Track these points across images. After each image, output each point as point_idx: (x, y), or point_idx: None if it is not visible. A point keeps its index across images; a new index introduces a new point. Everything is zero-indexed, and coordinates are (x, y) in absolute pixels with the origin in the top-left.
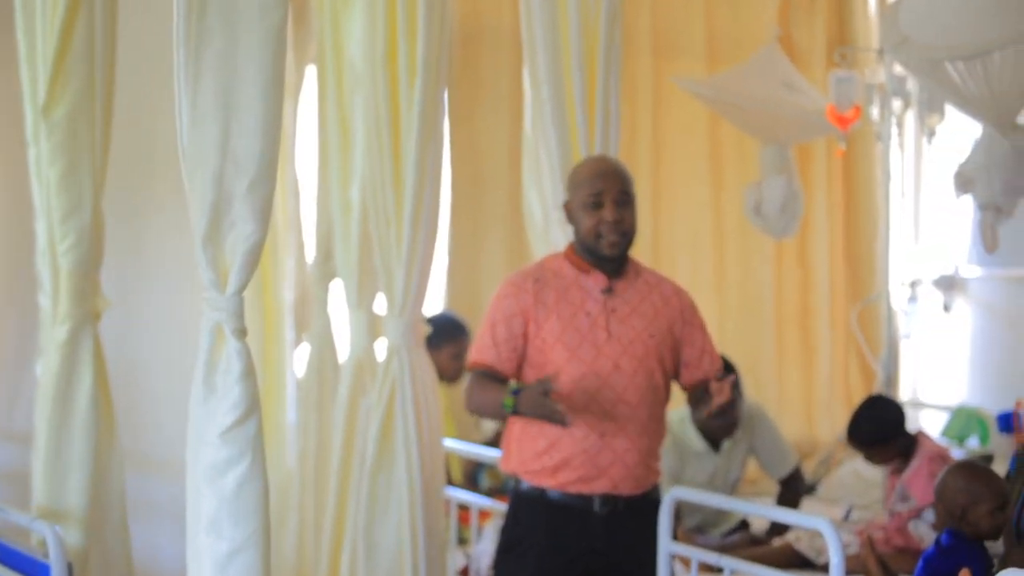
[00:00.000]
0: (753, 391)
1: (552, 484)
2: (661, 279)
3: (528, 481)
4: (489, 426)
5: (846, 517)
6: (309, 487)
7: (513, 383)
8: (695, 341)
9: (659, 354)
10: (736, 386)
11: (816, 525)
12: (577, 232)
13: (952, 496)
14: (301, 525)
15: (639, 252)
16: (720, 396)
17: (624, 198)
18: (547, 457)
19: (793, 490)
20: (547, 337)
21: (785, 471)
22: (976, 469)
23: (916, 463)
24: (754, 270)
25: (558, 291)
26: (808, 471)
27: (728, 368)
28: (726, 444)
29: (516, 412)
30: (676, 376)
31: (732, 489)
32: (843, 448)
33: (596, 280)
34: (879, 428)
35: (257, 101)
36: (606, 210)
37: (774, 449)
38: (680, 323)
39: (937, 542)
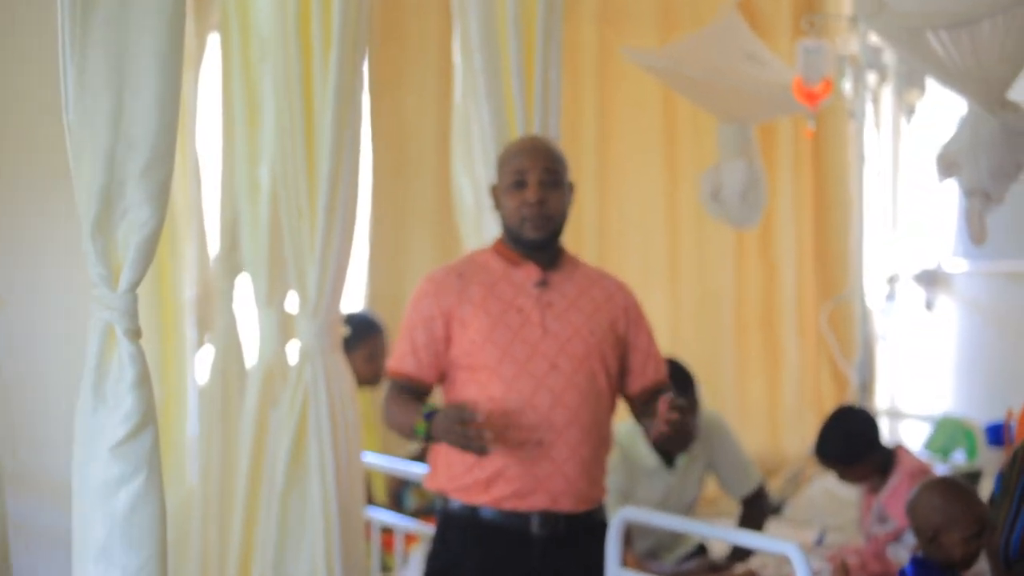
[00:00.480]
0: (712, 400)
1: (485, 500)
2: (602, 274)
3: (457, 499)
4: None
5: (819, 541)
6: (212, 509)
7: (426, 405)
8: (640, 345)
9: (601, 354)
10: (692, 395)
11: (783, 550)
12: (503, 219)
13: (925, 515)
14: (203, 552)
15: (582, 244)
16: (665, 419)
17: (550, 177)
18: (478, 469)
19: (757, 511)
20: (475, 337)
21: (748, 489)
22: (955, 488)
23: (895, 480)
24: (712, 264)
25: (485, 286)
26: (774, 489)
27: (682, 375)
28: (681, 460)
29: (430, 439)
30: (620, 384)
31: (689, 510)
32: (813, 463)
33: (528, 273)
34: (850, 444)
35: (153, 72)
36: (528, 190)
37: (735, 465)
38: (624, 323)
39: (901, 573)
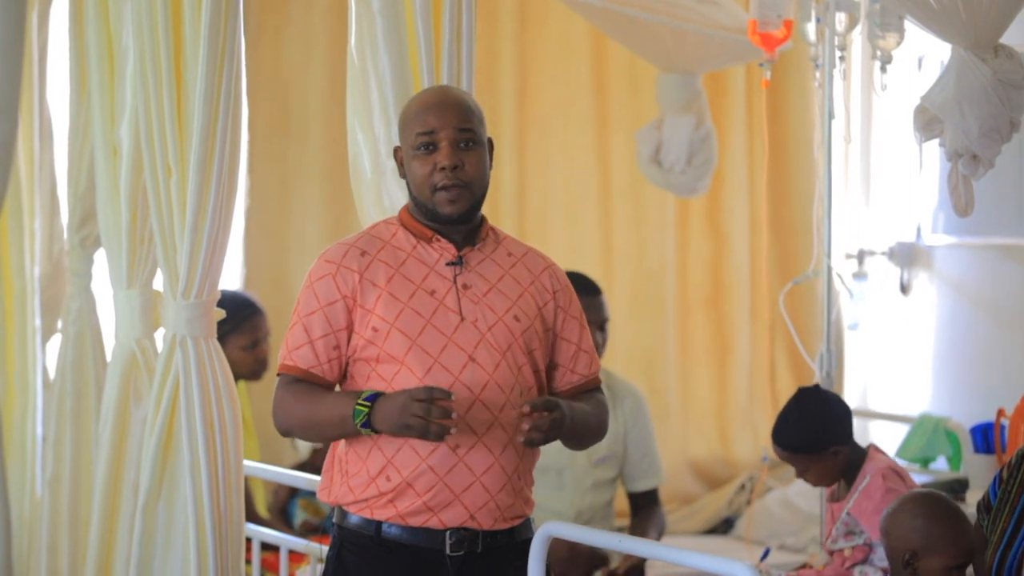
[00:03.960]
0: (650, 398)
1: (389, 516)
2: (528, 250)
3: (357, 514)
4: (305, 442)
5: (763, 557)
6: (62, 523)
7: (368, 389)
8: (570, 336)
9: (526, 344)
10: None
11: (732, 571)
12: (410, 187)
13: (902, 534)
14: (51, 573)
15: (499, 215)
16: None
17: (466, 137)
18: (383, 480)
19: (645, 514)
20: (379, 325)
21: (647, 484)
22: (942, 506)
23: (864, 482)
24: (651, 239)
25: (391, 265)
26: (723, 502)
27: (586, 282)
28: None
29: (370, 427)
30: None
31: (594, 468)
32: (768, 471)
33: (441, 250)
34: (814, 430)
35: None
36: (440, 153)
37: (645, 449)
38: (553, 308)
39: None
